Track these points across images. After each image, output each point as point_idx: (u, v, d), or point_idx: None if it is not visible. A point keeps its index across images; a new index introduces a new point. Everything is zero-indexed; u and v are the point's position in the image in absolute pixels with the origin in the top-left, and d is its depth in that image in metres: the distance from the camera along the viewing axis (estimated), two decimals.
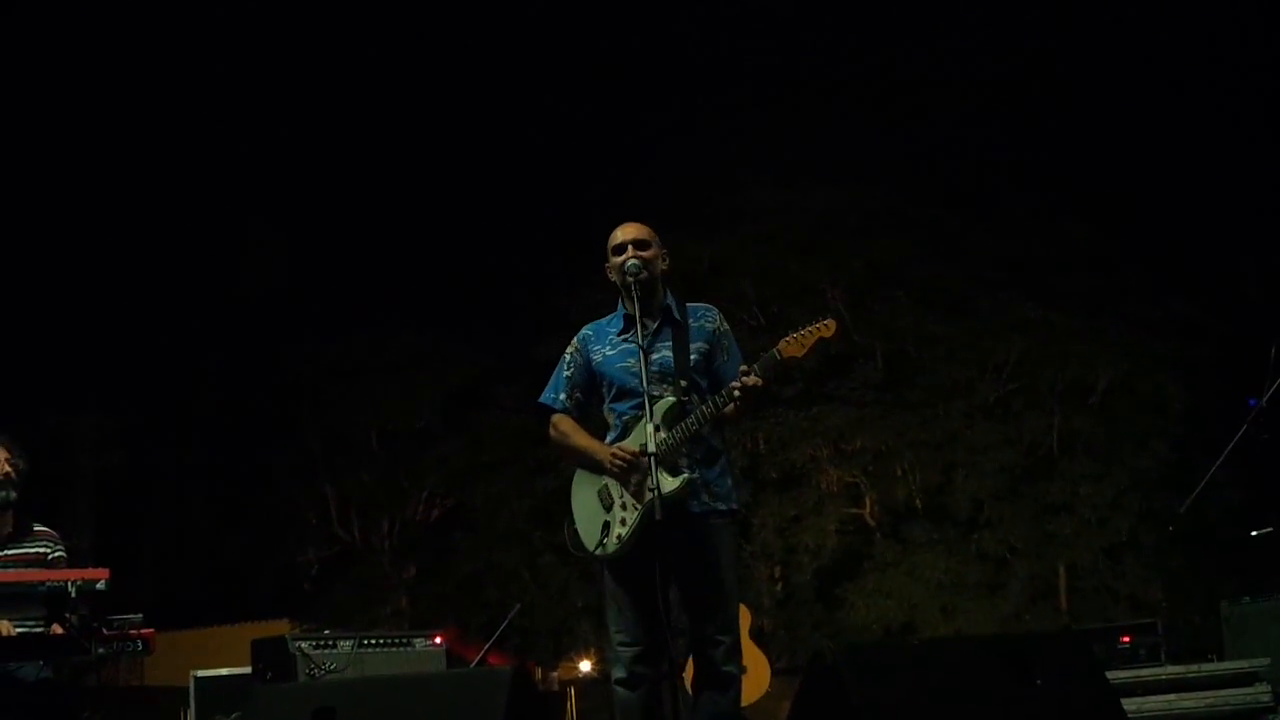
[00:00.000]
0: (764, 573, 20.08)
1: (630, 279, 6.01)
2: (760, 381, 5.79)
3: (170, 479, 23.85)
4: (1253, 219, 18.42)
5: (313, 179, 23.48)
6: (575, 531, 6.13)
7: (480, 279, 23.00)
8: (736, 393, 5.78)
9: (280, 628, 19.16)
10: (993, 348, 19.70)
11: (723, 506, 6.06)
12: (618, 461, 5.92)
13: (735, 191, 21.01)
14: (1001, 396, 19.88)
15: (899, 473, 19.98)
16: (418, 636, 8.83)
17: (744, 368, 5.84)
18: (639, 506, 5.88)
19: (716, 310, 6.32)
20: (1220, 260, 18.91)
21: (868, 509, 20.38)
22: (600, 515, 6.04)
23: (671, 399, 5.92)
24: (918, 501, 20.02)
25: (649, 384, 5.85)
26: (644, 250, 6.10)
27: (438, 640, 8.82)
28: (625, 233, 6.19)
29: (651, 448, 5.69)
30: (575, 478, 6.27)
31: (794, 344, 5.84)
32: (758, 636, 12.86)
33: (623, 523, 5.94)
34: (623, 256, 6.10)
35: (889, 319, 20.09)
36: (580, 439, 6.17)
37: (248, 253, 23.32)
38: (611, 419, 6.19)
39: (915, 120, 20.49)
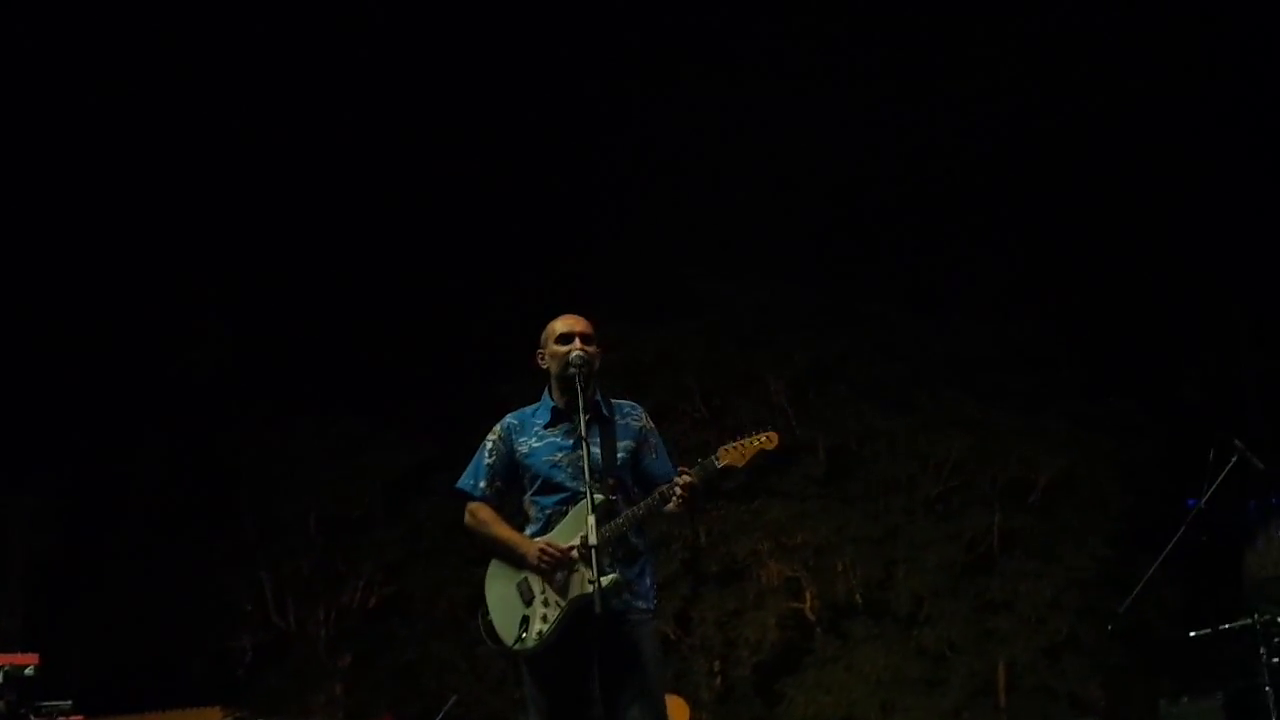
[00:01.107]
0: (703, 666, 19.97)
1: (573, 371, 6.02)
2: (698, 482, 5.79)
3: (104, 561, 23.54)
4: (1191, 321, 18.62)
5: (257, 262, 23.41)
6: (490, 624, 6.09)
7: (421, 365, 22.94)
8: (678, 491, 5.77)
9: (212, 715, 18.93)
10: (934, 444, 19.78)
11: (643, 605, 6.05)
12: (545, 558, 5.89)
13: (678, 284, 21.10)
14: (942, 492, 19.95)
15: (840, 568, 19.97)
16: None
17: (684, 469, 5.85)
18: (562, 603, 5.85)
19: (642, 409, 6.34)
20: (1160, 361, 19.10)
21: (808, 603, 20.34)
22: (519, 609, 6.00)
23: (601, 497, 5.91)
24: (858, 597, 20.01)
25: (576, 479, 5.84)
26: (589, 345, 6.12)
27: None
28: (572, 324, 6.21)
29: (594, 540, 5.68)
30: (491, 566, 6.23)
31: (734, 453, 5.85)
32: None
33: (544, 619, 5.90)
34: (569, 346, 6.11)
35: (832, 413, 20.17)
36: (500, 530, 6.15)
37: (189, 335, 23.17)
38: (533, 511, 6.17)
39: (860, 217, 20.67)
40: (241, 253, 23.34)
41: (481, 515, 6.18)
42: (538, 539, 5.98)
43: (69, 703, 6.17)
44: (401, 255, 23.07)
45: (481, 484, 6.19)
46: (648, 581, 6.09)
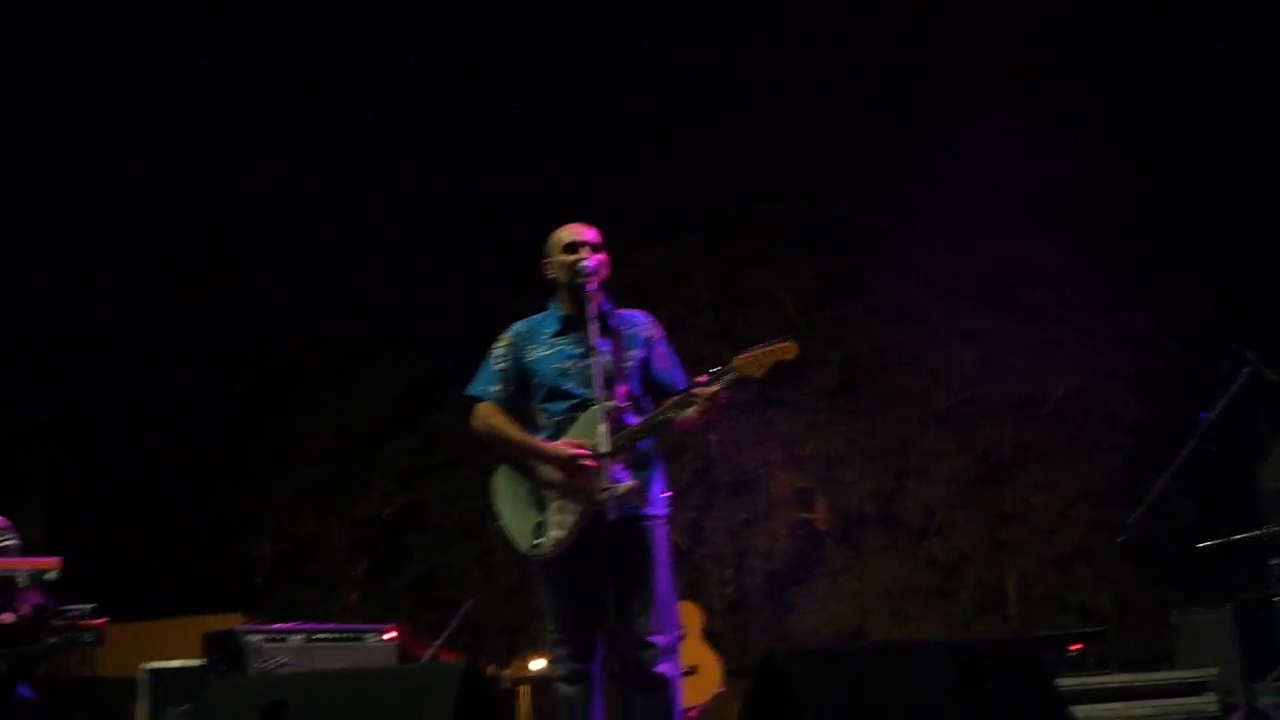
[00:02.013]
0: (715, 575, 20.07)
1: (581, 280, 6.02)
2: (718, 391, 5.80)
3: (121, 475, 23.67)
4: (1205, 237, 18.52)
5: (260, 176, 23.30)
6: (503, 528, 6.12)
7: (428, 277, 22.91)
8: (697, 401, 5.77)
9: (232, 621, 19.06)
10: (946, 357, 19.78)
11: (653, 511, 6.08)
12: (569, 454, 5.89)
13: (686, 198, 21.04)
14: (955, 405, 19.96)
15: (851, 479, 20.02)
16: (369, 632, 8.83)
17: (701, 379, 5.86)
18: (577, 509, 5.87)
19: (652, 318, 6.34)
20: (1173, 276, 19.01)
21: (819, 514, 20.42)
22: (532, 515, 6.04)
23: (610, 404, 5.92)
24: (870, 507, 20.07)
25: (586, 387, 5.85)
26: (598, 254, 6.11)
27: (389, 636, 8.81)
28: (578, 232, 6.22)
29: (605, 447, 5.70)
30: (500, 472, 6.25)
31: (751, 363, 5.84)
32: (710, 638, 12.91)
33: (559, 525, 5.95)
34: (576, 255, 6.11)
35: (842, 326, 20.14)
36: (517, 433, 6.17)
37: (197, 249, 23.15)
38: (542, 419, 6.19)
39: (870, 128, 20.52)
40: (241, 164, 23.24)
41: (495, 419, 6.19)
42: (562, 442, 5.98)
43: (91, 606, 6.22)
44: (408, 166, 22.95)
45: (493, 388, 6.21)
46: (658, 487, 6.12)
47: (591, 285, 5.98)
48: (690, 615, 11.41)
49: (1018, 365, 19.29)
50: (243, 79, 22.77)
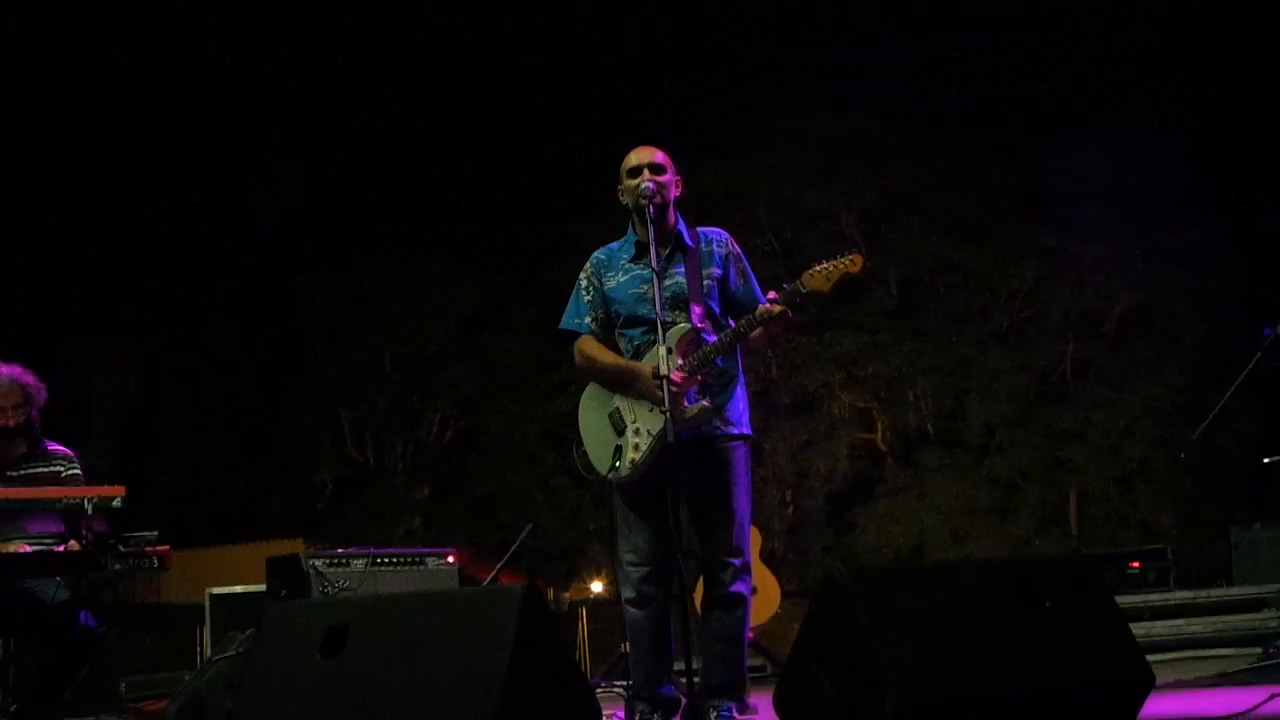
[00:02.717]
0: (775, 496, 20.11)
1: (644, 202, 5.96)
2: (784, 309, 5.76)
3: (185, 402, 23.91)
4: (1270, 150, 18.30)
5: (325, 104, 23.43)
6: (584, 454, 6.12)
7: (491, 203, 22.96)
8: (766, 316, 5.74)
9: (295, 547, 19.28)
10: (1007, 275, 19.69)
11: (735, 431, 6.05)
12: (649, 369, 5.86)
13: (749, 118, 20.93)
14: (1015, 323, 19.88)
15: (911, 398, 20.02)
16: (430, 555, 8.85)
17: (771, 295, 5.81)
18: (654, 431, 5.87)
19: (728, 235, 6.29)
20: (1237, 190, 18.82)
21: (879, 434, 20.42)
22: (611, 439, 6.03)
23: (686, 325, 5.89)
24: (929, 427, 20.06)
25: (662, 310, 5.81)
26: (659, 175, 6.06)
27: (450, 559, 8.85)
28: (641, 156, 6.14)
29: (665, 370, 5.67)
30: (584, 399, 6.24)
31: (818, 277, 5.77)
32: (769, 559, 12.93)
33: (636, 448, 5.93)
34: (637, 180, 6.05)
35: (903, 245, 20.04)
36: (609, 357, 6.14)
37: (261, 178, 23.26)
38: (622, 344, 6.16)
39: (933, 51, 20.35)
40: (311, 95, 23.35)
41: (590, 350, 6.16)
42: (647, 364, 5.98)
43: (155, 533, 6.27)
44: (472, 93, 22.96)
45: (586, 319, 6.16)
46: (740, 406, 6.09)
47: (652, 209, 5.96)
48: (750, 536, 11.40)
49: (1079, 281, 19.14)
50: (317, 8, 22.91)
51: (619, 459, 5.95)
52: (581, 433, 6.16)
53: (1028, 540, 18.75)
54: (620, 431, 6.00)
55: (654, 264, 5.85)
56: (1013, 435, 19.09)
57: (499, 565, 9.50)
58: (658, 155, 6.15)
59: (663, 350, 5.69)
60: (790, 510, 20.44)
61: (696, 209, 6.43)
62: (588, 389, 6.23)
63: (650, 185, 5.97)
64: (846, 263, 5.76)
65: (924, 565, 13.83)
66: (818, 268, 5.77)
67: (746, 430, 6.10)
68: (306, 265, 22.83)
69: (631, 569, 5.98)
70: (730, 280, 6.13)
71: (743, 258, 6.24)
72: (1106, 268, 19.09)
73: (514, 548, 9.93)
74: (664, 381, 5.63)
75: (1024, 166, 19.75)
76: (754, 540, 10.15)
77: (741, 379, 6.17)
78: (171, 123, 23.17)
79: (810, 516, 20.26)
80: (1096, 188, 19.24)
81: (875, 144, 20.30)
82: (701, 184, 18.72)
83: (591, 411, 6.16)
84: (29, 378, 6.80)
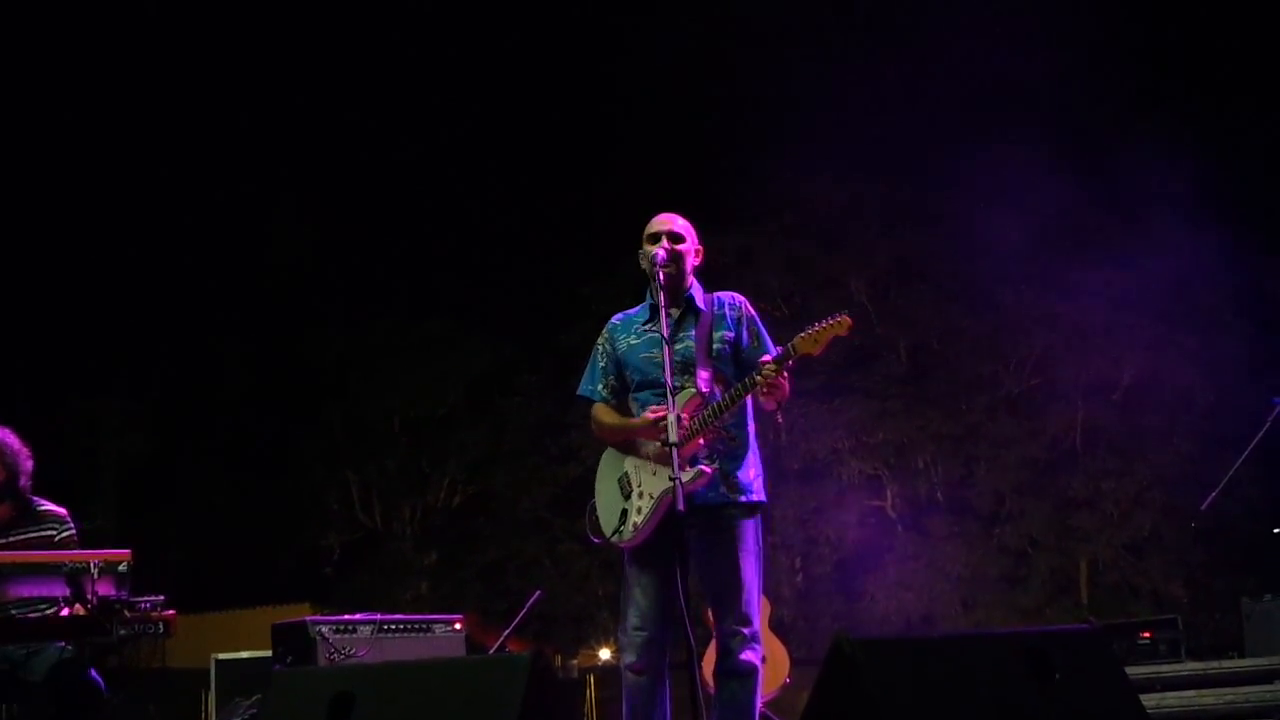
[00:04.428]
0: (785, 563, 20.06)
1: (656, 269, 6.00)
2: (774, 375, 5.77)
3: (194, 462, 23.90)
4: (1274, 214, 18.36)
5: (341, 164, 23.53)
6: (595, 518, 6.15)
7: (502, 265, 23.02)
8: (758, 381, 5.76)
9: (301, 611, 19.21)
10: (1016, 342, 19.68)
11: (743, 499, 6.03)
12: (649, 418, 5.88)
13: (760, 183, 20.98)
14: (1024, 390, 19.85)
15: (921, 465, 19.99)
16: (437, 622, 8.83)
17: (765, 359, 5.83)
18: (654, 495, 5.88)
19: (743, 299, 6.32)
20: (1245, 255, 18.82)
21: (889, 501, 20.38)
22: (619, 503, 6.05)
23: (692, 390, 5.91)
24: (939, 494, 20.01)
25: (671, 374, 5.83)
26: (677, 243, 6.10)
27: (457, 625, 8.82)
28: (661, 224, 6.19)
29: (673, 437, 5.67)
30: (601, 463, 6.27)
31: (808, 341, 5.80)
32: (778, 627, 12.86)
33: (639, 511, 5.94)
34: (654, 246, 6.10)
35: (912, 312, 20.07)
36: (614, 419, 6.17)
37: (275, 236, 23.35)
38: (634, 408, 6.18)
39: (942, 111, 20.43)
40: (326, 154, 23.45)
41: (601, 415, 6.21)
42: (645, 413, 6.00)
43: (162, 598, 6.23)
44: (485, 156, 23.09)
45: (599, 387, 6.21)
46: (752, 473, 6.08)
47: (661, 276, 5.99)
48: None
49: (1088, 349, 19.14)
50: (327, 63, 23.06)
51: (623, 523, 5.97)
52: (596, 496, 6.20)
53: (1038, 609, 18.68)
54: (627, 495, 6.03)
55: (663, 330, 5.86)
56: (1022, 503, 19.06)
57: (506, 632, 9.46)
58: (677, 224, 6.20)
59: (672, 416, 5.70)
60: (799, 577, 20.38)
61: (706, 275, 6.47)
62: (605, 453, 6.26)
63: (661, 253, 6.00)
64: (835, 324, 5.80)
65: (934, 635, 13.78)
66: (808, 331, 5.81)
67: (758, 497, 6.09)
68: (317, 326, 22.88)
69: (635, 634, 5.97)
70: (742, 341, 6.16)
71: (756, 320, 6.27)
72: (1116, 334, 19.08)
73: (522, 614, 9.89)
74: (673, 450, 5.63)
75: (1031, 231, 19.77)
76: (764, 608, 10.11)
77: (753, 444, 6.16)
78: (183, 180, 23.29)
79: (819, 585, 20.20)
80: (1104, 251, 19.26)
81: (884, 209, 20.36)
82: (710, 251, 18.73)
83: (606, 475, 6.20)
84: (10, 439, 6.74)
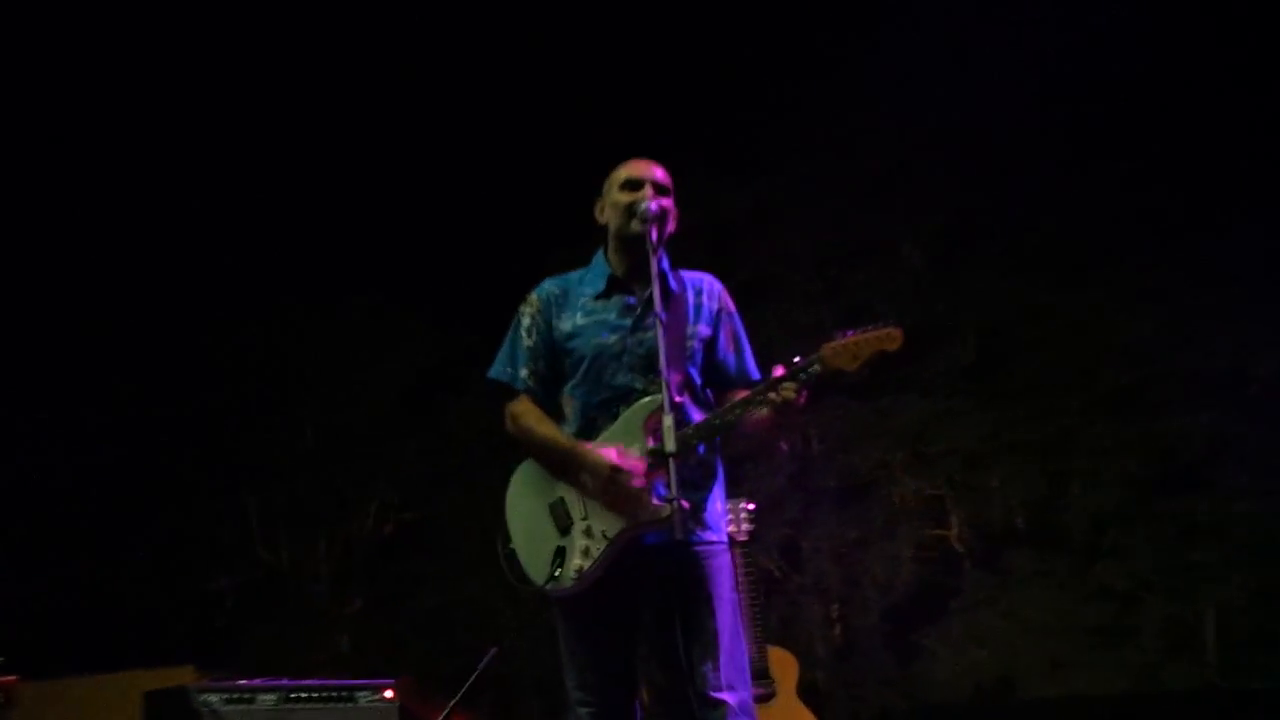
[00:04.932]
0: (817, 612, 20.07)
1: (640, 227, 5.93)
2: (797, 396, 5.72)
3: (40, 490, 23.82)
4: None
5: (233, 106, 23.55)
6: (513, 554, 6.06)
7: (451, 232, 22.94)
8: (773, 398, 5.70)
9: (183, 676, 19.16)
10: (1119, 324, 19.67)
11: (712, 536, 6.04)
12: (610, 467, 5.81)
13: (779, 124, 20.90)
14: (1130, 385, 19.83)
15: (994, 484, 19.98)
16: (362, 689, 8.86)
17: (780, 372, 5.77)
18: (610, 534, 5.82)
19: (721, 286, 6.28)
20: None
21: (953, 531, 20.37)
22: (552, 538, 6.00)
23: (659, 397, 5.84)
24: (1019, 521, 20.02)
25: (633, 372, 5.77)
26: (664, 197, 6.04)
27: (389, 694, 8.85)
28: (642, 169, 6.15)
29: (671, 446, 5.62)
30: (515, 479, 6.20)
31: (843, 354, 5.78)
32: (809, 695, 12.87)
33: (585, 553, 5.90)
34: (637, 194, 6.03)
35: (983, 285, 20.04)
36: (548, 430, 6.09)
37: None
38: (570, 408, 6.12)
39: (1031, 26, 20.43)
40: (215, 97, 23.50)
41: (525, 416, 6.13)
42: (601, 448, 5.90)
43: (1, 659, 6.23)
44: (423, 86, 23.06)
45: (522, 371, 6.13)
46: (720, 507, 6.09)
47: (653, 234, 5.89)
48: (783, 664, 11.38)
49: (1212, 334, 19.13)
50: (255, 38, 23.07)
51: (561, 565, 5.91)
52: (509, 525, 6.11)
53: (1152, 670, 18.68)
54: (564, 530, 5.96)
55: (657, 308, 5.81)
56: (1129, 532, 19.06)
57: (452, 702, 9.47)
58: (664, 173, 6.14)
59: (669, 420, 5.65)
60: (837, 630, 20.38)
61: (713, 241, 6.44)
62: (522, 466, 6.18)
63: (654, 205, 5.93)
64: (883, 336, 5.77)
65: (1013, 704, 13.83)
66: (843, 340, 5.79)
67: (722, 535, 6.09)
68: (210, 313, 22.74)
69: (581, 708, 5.96)
70: (718, 344, 6.15)
71: (736, 317, 6.26)
72: (1247, 314, 19.08)
73: (473, 678, 9.89)
74: (669, 461, 5.58)
75: (1141, 182, 19.77)
76: (790, 668, 10.12)
77: (720, 474, 6.14)
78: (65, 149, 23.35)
79: (864, 638, 20.20)
80: (1233, 210, 19.27)
81: (948, 152, 20.32)
82: (720, 208, 18.76)
83: (528, 498, 6.13)
84: None
